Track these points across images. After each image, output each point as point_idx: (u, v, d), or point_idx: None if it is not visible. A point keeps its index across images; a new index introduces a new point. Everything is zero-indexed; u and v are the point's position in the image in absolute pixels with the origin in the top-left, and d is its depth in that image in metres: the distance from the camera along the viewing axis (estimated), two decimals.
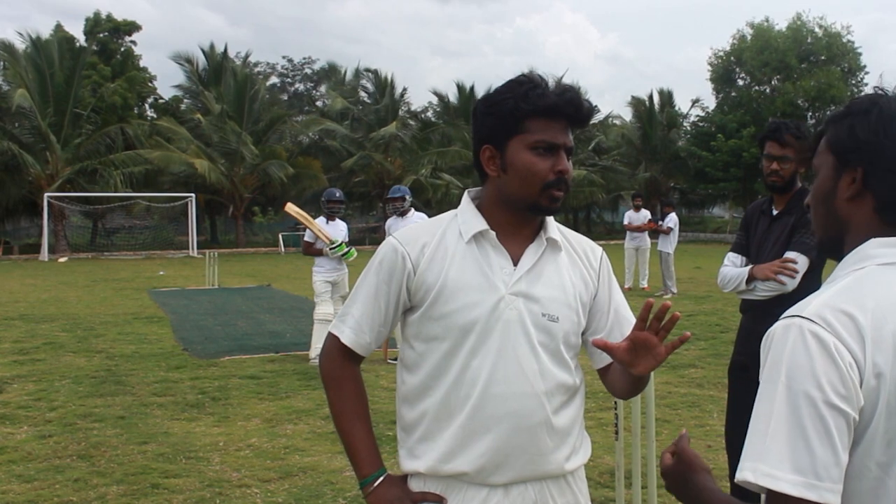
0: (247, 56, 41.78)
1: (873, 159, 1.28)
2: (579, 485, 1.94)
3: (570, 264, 1.93)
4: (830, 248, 1.37)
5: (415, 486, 1.89)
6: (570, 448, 1.89)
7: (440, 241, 1.87)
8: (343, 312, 1.94)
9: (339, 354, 1.93)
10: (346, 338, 1.91)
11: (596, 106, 1.95)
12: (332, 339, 1.94)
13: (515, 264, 1.85)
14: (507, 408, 1.80)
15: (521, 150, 1.81)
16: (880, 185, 1.28)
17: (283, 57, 62.98)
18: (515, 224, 1.89)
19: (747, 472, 1.17)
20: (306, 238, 9.01)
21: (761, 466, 1.15)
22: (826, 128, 1.37)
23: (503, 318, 1.81)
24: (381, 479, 1.89)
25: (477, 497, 1.83)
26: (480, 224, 1.87)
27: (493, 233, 1.86)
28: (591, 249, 2.00)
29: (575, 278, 1.91)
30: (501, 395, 1.80)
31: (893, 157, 1.27)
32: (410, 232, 1.93)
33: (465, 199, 1.95)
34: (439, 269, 1.84)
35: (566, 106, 1.79)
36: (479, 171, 1.90)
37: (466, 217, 1.90)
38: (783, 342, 1.19)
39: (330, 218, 9.09)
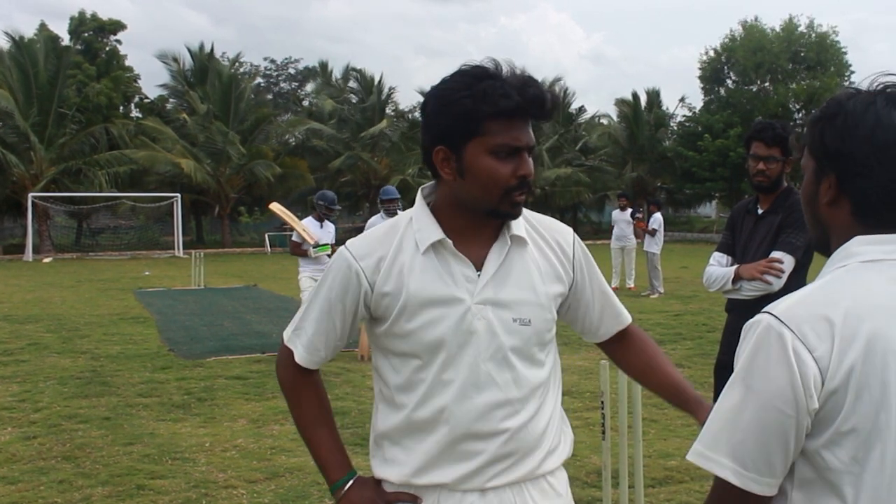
0: (237, 58, 41.51)
1: (844, 165, 1.28)
2: (560, 483, 1.88)
3: (540, 258, 1.81)
4: (820, 246, 1.39)
5: (388, 487, 1.82)
6: (547, 449, 1.82)
7: (397, 254, 1.75)
8: (297, 326, 1.86)
9: (293, 366, 1.87)
10: (299, 356, 1.84)
11: (561, 95, 1.86)
12: (286, 351, 1.87)
13: (479, 269, 1.75)
14: (482, 419, 1.74)
15: (481, 155, 1.66)
16: (853, 190, 1.28)
17: (265, 58, 62.63)
18: (475, 227, 1.76)
19: (690, 453, 1.26)
20: (294, 238, 9.00)
21: (699, 447, 1.25)
22: (806, 130, 1.36)
23: (472, 330, 1.72)
24: (352, 481, 1.83)
25: (451, 500, 1.76)
26: (436, 233, 1.74)
27: (450, 241, 1.74)
28: (562, 235, 1.88)
29: (546, 273, 1.81)
30: (475, 408, 1.73)
31: (862, 162, 1.25)
32: (365, 243, 1.80)
33: (419, 200, 1.82)
34: (398, 285, 1.73)
35: (530, 105, 1.65)
36: (432, 171, 1.76)
37: (421, 224, 1.77)
38: (749, 338, 1.24)
39: (320, 220, 9.08)
